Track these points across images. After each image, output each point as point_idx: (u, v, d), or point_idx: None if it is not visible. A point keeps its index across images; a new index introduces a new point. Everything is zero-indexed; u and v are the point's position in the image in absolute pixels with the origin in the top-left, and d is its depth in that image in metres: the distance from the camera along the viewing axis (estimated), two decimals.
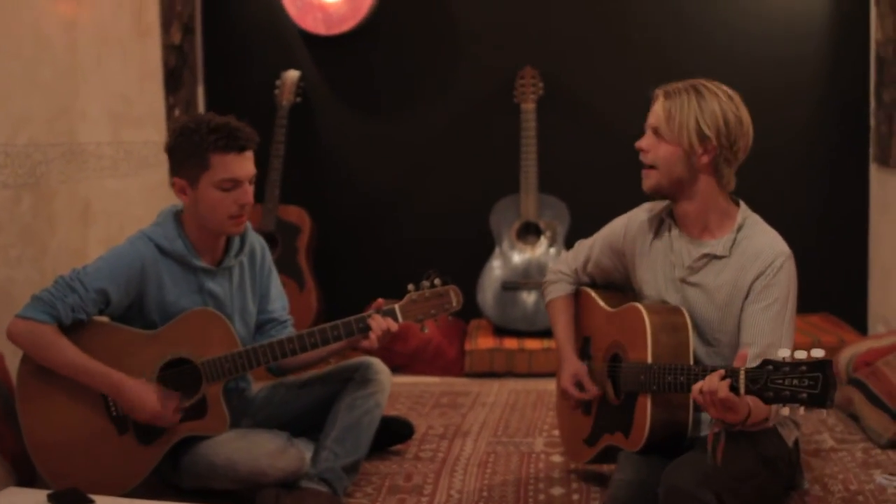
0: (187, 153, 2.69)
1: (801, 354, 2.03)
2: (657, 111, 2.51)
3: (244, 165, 2.71)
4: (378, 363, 2.97)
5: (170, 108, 4.41)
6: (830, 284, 4.64)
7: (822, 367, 1.99)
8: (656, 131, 2.51)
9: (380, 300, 2.78)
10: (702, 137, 2.45)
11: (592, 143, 4.73)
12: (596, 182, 4.71)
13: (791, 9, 4.61)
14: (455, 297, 2.79)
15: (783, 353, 2.05)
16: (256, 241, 2.96)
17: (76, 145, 3.60)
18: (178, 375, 2.73)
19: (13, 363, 2.82)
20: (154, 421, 2.68)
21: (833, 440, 3.34)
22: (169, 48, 4.43)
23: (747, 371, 2.11)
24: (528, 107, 4.52)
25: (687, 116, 2.45)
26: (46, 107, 3.41)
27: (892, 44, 4.14)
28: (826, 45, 4.60)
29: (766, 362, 2.08)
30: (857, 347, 3.77)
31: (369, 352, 2.89)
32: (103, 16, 3.85)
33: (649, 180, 2.54)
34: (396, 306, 2.75)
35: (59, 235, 3.47)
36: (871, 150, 4.51)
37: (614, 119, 4.65)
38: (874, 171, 4.52)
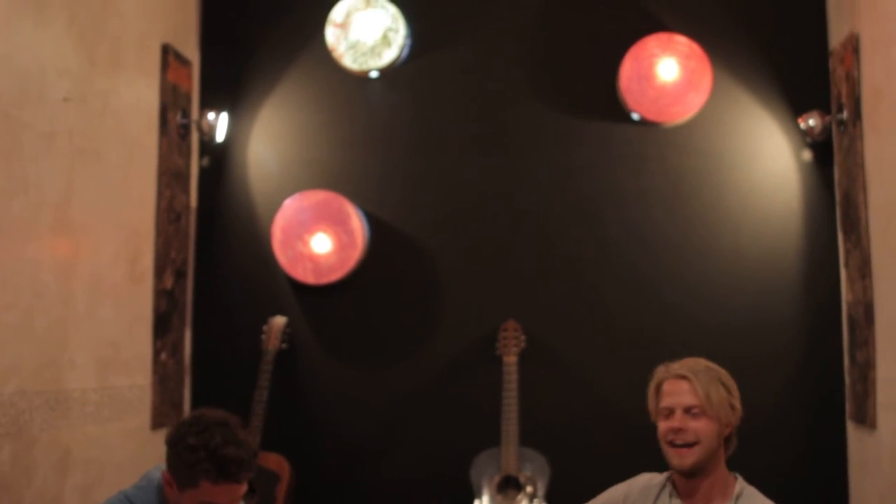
0: (180, 466, 2.58)
1: None
2: (695, 391, 2.61)
3: (233, 494, 2.60)
4: None
5: (156, 352, 4.44)
6: None
7: None
8: (690, 410, 2.61)
9: None
10: (732, 408, 2.63)
11: (573, 397, 4.77)
12: (577, 436, 4.72)
13: (763, 278, 4.75)
14: None
15: None
16: None
17: (61, 392, 3.61)
18: None
19: None
20: None
21: None
22: (161, 293, 4.52)
23: None
24: (510, 360, 4.59)
25: (717, 392, 2.61)
26: (37, 356, 3.44)
27: (863, 305, 4.28)
28: (799, 310, 4.73)
29: None
30: None
31: None
32: (100, 263, 3.94)
33: (691, 458, 2.60)
34: None
35: (36, 484, 3.42)
36: (847, 409, 4.57)
37: (595, 375, 4.73)
38: (851, 429, 4.55)
